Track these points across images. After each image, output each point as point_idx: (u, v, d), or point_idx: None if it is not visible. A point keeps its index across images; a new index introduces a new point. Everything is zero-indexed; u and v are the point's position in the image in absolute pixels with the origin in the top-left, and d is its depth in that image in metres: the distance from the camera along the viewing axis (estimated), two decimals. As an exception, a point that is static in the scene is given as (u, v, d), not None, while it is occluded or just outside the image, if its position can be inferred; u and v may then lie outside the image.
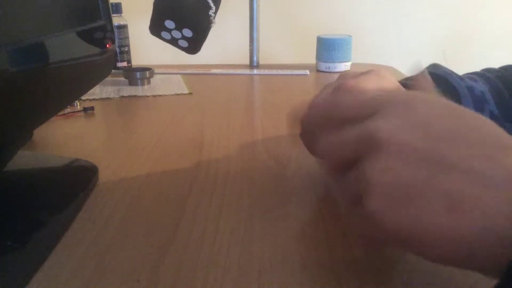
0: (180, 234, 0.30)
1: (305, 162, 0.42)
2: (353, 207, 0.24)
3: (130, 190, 0.37)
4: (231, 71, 0.91)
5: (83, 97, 0.68)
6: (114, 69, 0.86)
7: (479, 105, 0.40)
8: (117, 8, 0.86)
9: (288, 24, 1.29)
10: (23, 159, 0.40)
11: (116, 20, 0.85)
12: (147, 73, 0.77)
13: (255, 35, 0.96)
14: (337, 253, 0.28)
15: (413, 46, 1.31)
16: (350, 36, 0.92)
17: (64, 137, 0.51)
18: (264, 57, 0.99)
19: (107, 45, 0.42)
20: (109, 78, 0.80)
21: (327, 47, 0.90)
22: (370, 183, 0.22)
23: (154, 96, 0.70)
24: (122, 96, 0.70)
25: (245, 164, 0.42)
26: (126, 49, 0.88)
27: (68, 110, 0.60)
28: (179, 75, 0.85)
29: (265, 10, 1.00)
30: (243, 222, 0.32)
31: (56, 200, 0.34)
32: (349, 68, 0.92)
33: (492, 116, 0.40)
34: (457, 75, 0.42)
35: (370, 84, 0.28)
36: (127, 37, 0.88)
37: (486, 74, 0.43)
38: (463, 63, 0.67)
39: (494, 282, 0.19)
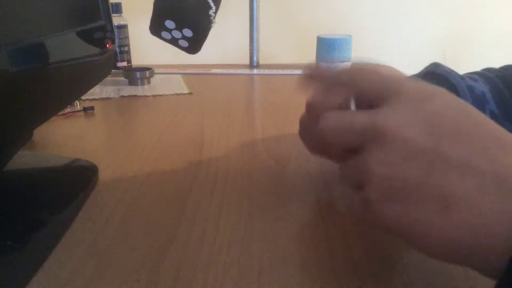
0: (180, 234, 0.30)
1: (305, 162, 0.42)
2: (353, 192, 0.24)
3: (130, 190, 0.37)
4: (231, 71, 0.91)
5: (83, 97, 0.68)
6: (114, 69, 0.86)
7: (479, 104, 0.40)
8: (117, 8, 0.86)
9: (288, 24, 1.29)
10: (23, 159, 0.40)
11: (116, 20, 0.85)
12: (147, 73, 0.77)
13: (255, 35, 0.96)
14: (337, 253, 0.28)
15: (413, 46, 1.31)
16: (350, 36, 0.92)
17: (64, 137, 0.51)
18: (264, 57, 0.99)
19: (107, 45, 0.42)
20: (109, 78, 0.80)
21: (327, 47, 0.90)
22: (369, 173, 0.22)
23: (154, 96, 0.70)
24: (122, 96, 0.70)
25: (245, 164, 0.42)
26: (126, 49, 0.88)
27: (68, 110, 0.60)
28: (179, 75, 0.85)
29: (265, 10, 1.00)
30: (243, 222, 0.32)
31: (56, 200, 0.34)
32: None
33: (493, 116, 0.40)
34: (457, 74, 0.42)
35: (386, 70, 0.28)
36: (127, 37, 0.88)
37: (486, 74, 0.43)
38: (463, 63, 0.67)
39: (494, 282, 0.19)
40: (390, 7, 1.28)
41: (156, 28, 0.65)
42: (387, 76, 0.25)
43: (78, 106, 0.62)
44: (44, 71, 0.30)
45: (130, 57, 0.90)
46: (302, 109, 0.31)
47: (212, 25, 0.65)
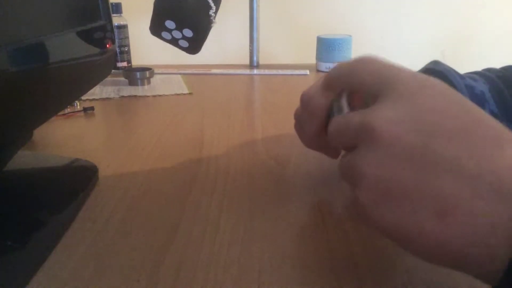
0: (180, 234, 0.30)
1: (305, 162, 0.42)
2: (351, 192, 0.23)
3: (130, 190, 0.37)
4: (231, 71, 0.91)
5: (83, 97, 0.68)
6: (114, 69, 0.86)
7: (479, 104, 0.40)
8: (117, 8, 0.86)
9: (288, 24, 1.29)
10: (23, 159, 0.40)
11: (116, 20, 0.85)
12: (147, 73, 0.77)
13: (255, 35, 0.96)
14: (337, 253, 0.28)
15: (413, 46, 1.31)
16: (350, 36, 0.92)
17: (64, 137, 0.51)
18: (264, 57, 0.99)
19: (107, 45, 0.42)
20: (109, 78, 0.80)
21: (327, 47, 0.90)
22: (361, 174, 0.21)
23: (154, 96, 0.70)
24: (122, 96, 0.70)
25: (245, 164, 0.42)
26: (126, 49, 0.88)
27: (68, 110, 0.60)
28: (179, 75, 0.85)
29: (265, 10, 1.00)
30: (243, 222, 0.32)
31: (56, 200, 0.34)
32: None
33: (493, 115, 0.40)
34: (457, 72, 0.42)
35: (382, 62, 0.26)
36: (127, 37, 0.88)
37: (486, 74, 0.43)
38: (463, 63, 0.67)
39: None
40: (390, 7, 1.28)
41: (156, 28, 0.65)
42: (382, 69, 0.24)
43: (78, 106, 0.62)
44: (44, 71, 0.30)
45: (130, 57, 0.90)
46: (302, 109, 0.31)
47: (212, 25, 0.65)
